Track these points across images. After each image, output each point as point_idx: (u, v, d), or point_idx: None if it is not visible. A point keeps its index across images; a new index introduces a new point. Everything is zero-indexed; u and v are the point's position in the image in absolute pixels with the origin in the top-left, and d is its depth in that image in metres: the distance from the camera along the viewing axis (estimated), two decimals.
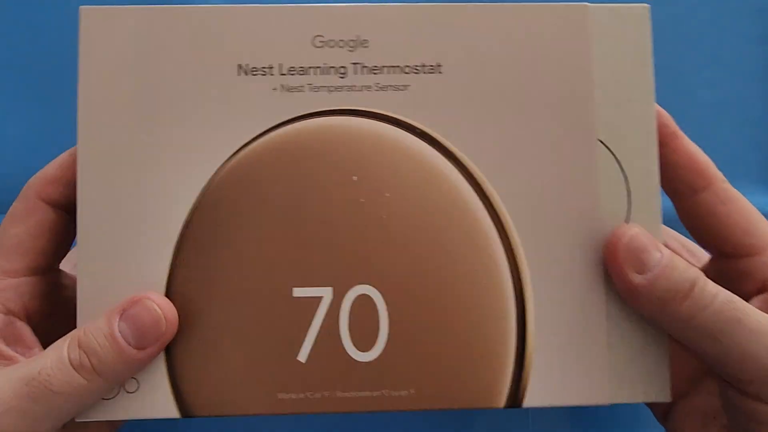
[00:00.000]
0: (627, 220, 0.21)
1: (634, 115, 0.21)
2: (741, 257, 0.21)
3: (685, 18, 0.31)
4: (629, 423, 0.28)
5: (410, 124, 0.21)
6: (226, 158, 0.20)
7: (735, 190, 0.21)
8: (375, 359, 0.20)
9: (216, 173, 0.20)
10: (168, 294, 0.20)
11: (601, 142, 0.21)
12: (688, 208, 0.22)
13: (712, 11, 0.31)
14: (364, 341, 0.20)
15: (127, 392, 0.19)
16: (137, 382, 0.20)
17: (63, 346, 0.19)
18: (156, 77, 0.20)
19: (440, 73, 0.21)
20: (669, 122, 0.22)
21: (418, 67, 0.21)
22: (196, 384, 0.20)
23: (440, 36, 0.21)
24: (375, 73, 0.21)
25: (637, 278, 0.19)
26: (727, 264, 0.21)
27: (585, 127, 0.21)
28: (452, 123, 0.21)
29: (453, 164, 0.20)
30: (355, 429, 0.28)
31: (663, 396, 0.20)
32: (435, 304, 0.20)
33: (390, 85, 0.21)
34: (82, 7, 0.20)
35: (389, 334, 0.20)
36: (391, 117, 0.21)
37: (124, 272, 0.20)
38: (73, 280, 0.21)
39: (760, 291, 0.21)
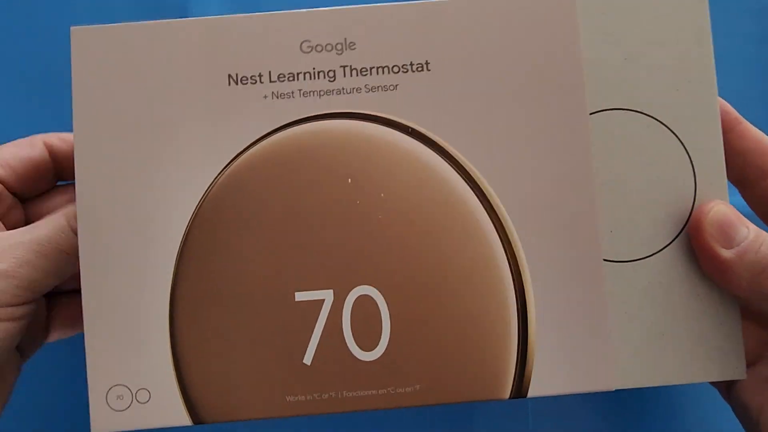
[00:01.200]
0: (694, 201, 0.21)
1: (695, 96, 0.21)
2: None
3: None
4: (620, 420, 0.28)
5: (402, 124, 0.21)
6: (221, 169, 0.20)
7: None
8: (379, 358, 0.20)
9: (212, 184, 0.20)
10: (172, 304, 0.20)
11: (664, 125, 0.21)
12: (760, 191, 0.22)
13: (712, 11, 0.30)
14: (367, 341, 0.20)
15: (140, 402, 0.20)
16: (149, 392, 0.20)
17: (61, 218, 0.21)
18: (148, 92, 0.20)
19: (429, 70, 0.21)
20: (730, 109, 0.22)
21: (406, 66, 0.21)
22: (206, 391, 0.20)
23: (426, 34, 0.21)
24: (364, 75, 0.21)
25: (725, 253, 0.19)
26: None
27: (577, 112, 0.21)
28: (444, 119, 0.21)
29: (446, 161, 0.21)
30: (356, 425, 0.28)
31: (738, 373, 0.21)
32: (435, 300, 0.20)
33: (379, 86, 0.21)
34: (73, 28, 0.21)
35: (391, 333, 0.20)
36: (382, 117, 0.21)
37: (128, 288, 0.20)
38: None
39: None
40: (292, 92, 0.21)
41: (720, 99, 0.21)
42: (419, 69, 0.21)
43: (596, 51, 0.21)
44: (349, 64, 0.21)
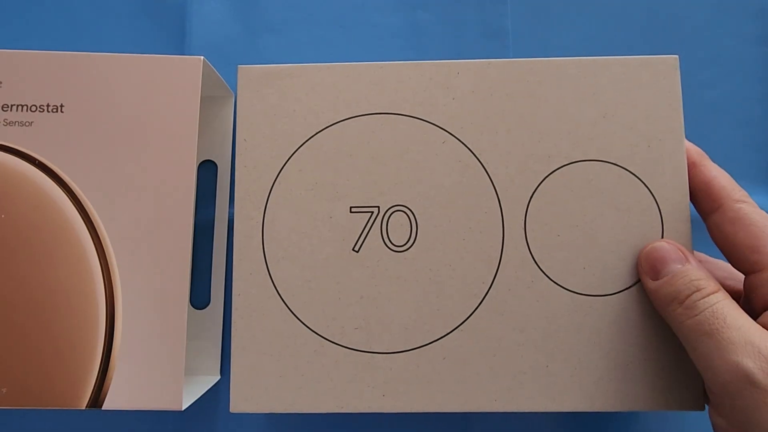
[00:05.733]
0: None
1: (664, 152, 0.23)
2: (750, 273, 0.21)
3: (685, 18, 0.31)
4: (620, 421, 0.28)
5: (30, 155, 0.23)
6: None
7: (752, 208, 0.22)
8: None
9: None
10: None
11: (636, 176, 0.23)
12: (708, 230, 0.23)
13: (712, 11, 0.31)
14: None
15: None
16: None
17: None
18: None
19: (62, 113, 0.24)
20: (690, 152, 0.23)
21: (43, 107, 0.24)
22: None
23: (65, 80, 0.24)
24: (5, 111, 0.24)
25: (651, 284, 0.22)
26: (745, 281, 0.22)
27: (186, 159, 0.24)
28: (69, 156, 0.23)
29: (63, 191, 0.23)
30: (352, 427, 0.28)
31: (696, 406, 0.22)
32: (32, 311, 0.23)
33: (17, 121, 0.23)
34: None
35: None
36: (13, 148, 0.23)
37: None
38: None
39: (767, 307, 0.21)
40: None
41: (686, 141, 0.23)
42: (54, 111, 0.24)
43: (577, 108, 0.23)
44: None
